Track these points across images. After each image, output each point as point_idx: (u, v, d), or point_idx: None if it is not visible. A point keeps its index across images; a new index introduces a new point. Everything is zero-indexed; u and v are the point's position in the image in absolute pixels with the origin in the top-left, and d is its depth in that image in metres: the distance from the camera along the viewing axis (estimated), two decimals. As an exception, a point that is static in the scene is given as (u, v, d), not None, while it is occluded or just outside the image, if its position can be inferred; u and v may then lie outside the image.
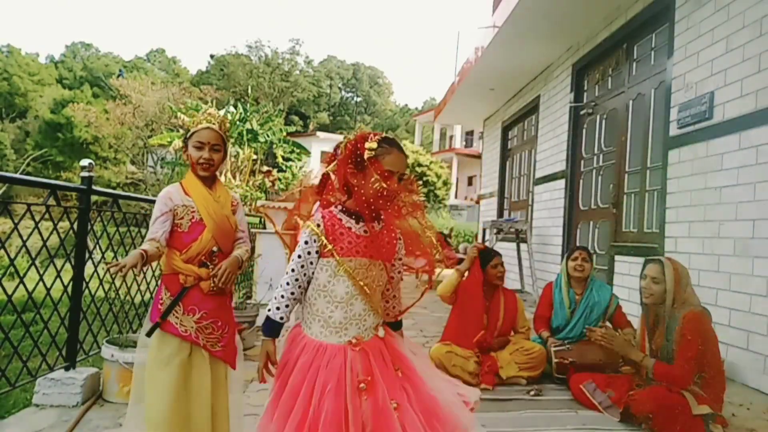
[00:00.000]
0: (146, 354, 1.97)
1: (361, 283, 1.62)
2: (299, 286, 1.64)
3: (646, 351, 2.86)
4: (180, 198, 2.01)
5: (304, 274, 1.63)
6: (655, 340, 2.82)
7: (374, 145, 1.60)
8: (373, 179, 1.58)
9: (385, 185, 1.57)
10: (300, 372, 1.57)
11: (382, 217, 1.68)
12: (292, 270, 1.62)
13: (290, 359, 1.62)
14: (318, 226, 1.62)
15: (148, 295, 3.94)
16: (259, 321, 3.96)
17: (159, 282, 2.19)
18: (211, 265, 1.99)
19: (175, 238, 1.99)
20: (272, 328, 1.64)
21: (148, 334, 1.96)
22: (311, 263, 1.63)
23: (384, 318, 1.75)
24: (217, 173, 2.13)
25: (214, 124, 2.06)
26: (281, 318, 1.63)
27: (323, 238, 1.60)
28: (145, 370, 1.95)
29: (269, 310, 1.63)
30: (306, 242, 1.62)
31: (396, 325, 1.81)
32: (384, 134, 1.66)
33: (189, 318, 1.96)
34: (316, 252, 1.62)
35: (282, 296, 1.62)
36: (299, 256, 1.62)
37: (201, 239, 1.98)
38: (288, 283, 1.62)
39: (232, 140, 10.93)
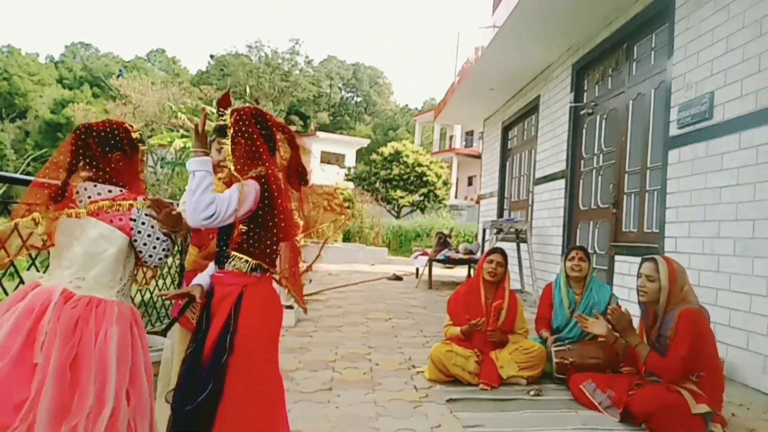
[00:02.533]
0: (170, 351, 2.01)
1: None
2: None
3: (645, 351, 2.86)
4: None
5: None
6: (651, 338, 2.82)
7: (138, 135, 1.81)
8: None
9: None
10: None
11: None
12: None
13: None
14: None
15: (148, 295, 3.95)
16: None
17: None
18: None
19: (196, 235, 2.07)
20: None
21: (165, 330, 2.02)
22: None
23: None
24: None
25: None
26: None
27: None
28: (171, 366, 2.00)
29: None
30: None
31: None
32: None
33: None
34: None
35: None
36: None
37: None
38: None
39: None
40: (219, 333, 1.71)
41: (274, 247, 1.78)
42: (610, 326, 3.01)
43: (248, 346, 1.71)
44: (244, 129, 1.76)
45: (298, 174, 1.85)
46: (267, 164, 1.76)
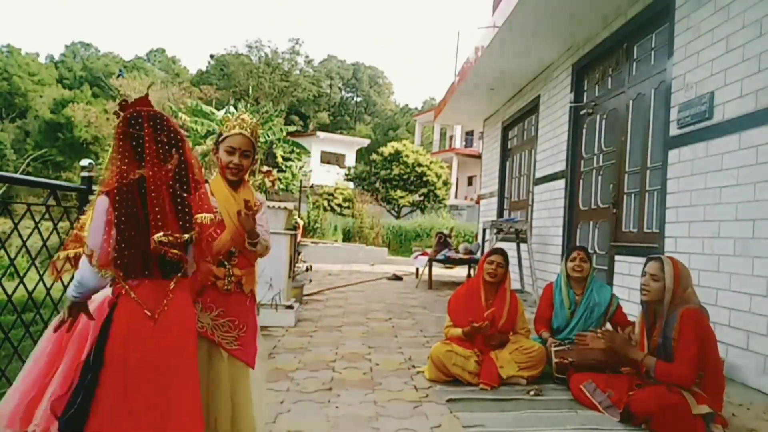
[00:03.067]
0: None
1: None
2: None
3: (645, 349, 2.86)
4: None
5: None
6: (653, 338, 2.82)
7: None
8: None
9: None
10: None
11: None
12: None
13: None
14: None
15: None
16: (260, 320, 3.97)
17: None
18: (229, 265, 2.07)
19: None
20: None
21: None
22: None
23: None
24: (246, 176, 2.20)
25: (246, 130, 2.14)
26: None
27: None
28: None
29: None
30: None
31: None
32: None
33: (206, 315, 2.05)
34: None
35: None
36: None
37: (220, 239, 2.02)
38: None
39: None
40: (94, 343, 1.63)
41: (143, 255, 1.64)
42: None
43: (119, 359, 1.59)
44: (117, 133, 1.73)
45: (183, 177, 1.74)
46: (118, 170, 1.66)
